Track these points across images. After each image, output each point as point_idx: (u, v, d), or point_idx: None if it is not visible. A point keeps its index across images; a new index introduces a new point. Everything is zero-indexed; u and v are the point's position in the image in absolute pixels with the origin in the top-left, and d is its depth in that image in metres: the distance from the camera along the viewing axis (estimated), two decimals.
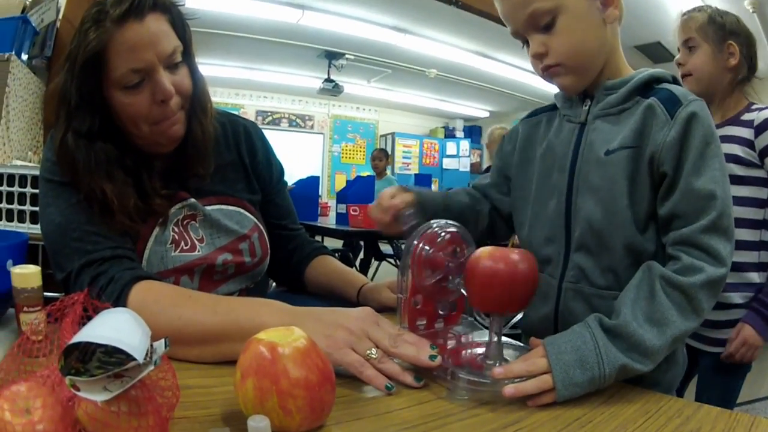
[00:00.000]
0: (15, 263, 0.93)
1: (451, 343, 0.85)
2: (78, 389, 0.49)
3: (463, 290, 0.85)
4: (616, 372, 0.76)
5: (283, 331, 0.63)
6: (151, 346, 0.55)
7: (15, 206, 2.08)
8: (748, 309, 1.48)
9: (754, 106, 1.53)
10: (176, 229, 1.06)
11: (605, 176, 0.88)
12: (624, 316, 0.78)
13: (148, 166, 1.04)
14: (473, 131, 11.84)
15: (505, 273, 0.77)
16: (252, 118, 1.38)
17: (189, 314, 0.84)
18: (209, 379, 0.78)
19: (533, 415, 0.71)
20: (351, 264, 6.17)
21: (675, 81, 0.92)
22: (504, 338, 0.85)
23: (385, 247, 6.13)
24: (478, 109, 10.85)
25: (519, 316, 0.92)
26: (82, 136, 0.96)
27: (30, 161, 2.47)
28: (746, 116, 1.51)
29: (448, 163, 11.37)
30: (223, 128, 1.18)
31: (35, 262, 0.90)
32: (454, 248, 0.88)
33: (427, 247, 0.85)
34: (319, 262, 1.32)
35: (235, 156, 1.20)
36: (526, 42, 0.92)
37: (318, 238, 6.20)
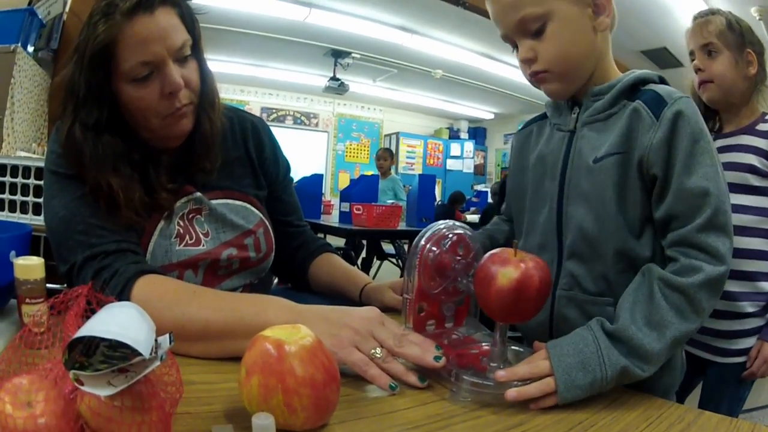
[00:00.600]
0: (18, 254, 0.92)
1: (455, 345, 0.85)
2: (82, 383, 0.48)
3: (471, 287, 0.84)
4: (617, 374, 0.75)
5: (290, 329, 0.63)
6: (156, 341, 0.54)
7: (18, 197, 2.08)
8: (764, 326, 1.47)
9: None
10: (181, 223, 1.06)
11: (595, 183, 0.88)
12: (623, 320, 0.78)
13: (154, 161, 1.03)
14: (478, 133, 11.86)
15: (523, 290, 0.73)
16: (256, 114, 1.37)
17: (193, 310, 0.84)
18: (212, 375, 0.77)
19: (536, 418, 0.71)
20: (353, 263, 6.17)
21: (662, 81, 0.91)
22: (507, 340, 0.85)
23: (388, 247, 6.14)
24: (482, 111, 10.86)
25: None
26: (89, 129, 0.96)
27: (34, 153, 2.46)
28: (761, 126, 1.50)
29: (451, 164, 11.39)
30: (230, 123, 1.17)
31: (37, 254, 0.90)
32: (460, 249, 0.87)
33: (434, 249, 0.85)
34: (323, 260, 1.32)
35: (242, 151, 1.19)
36: (515, 46, 0.92)
37: (320, 236, 6.21)
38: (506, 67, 7.34)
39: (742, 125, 1.53)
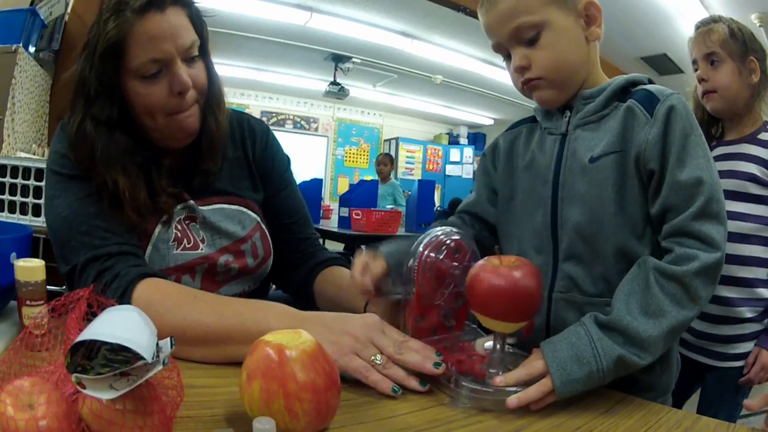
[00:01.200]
0: (19, 256, 0.92)
1: (454, 351, 0.85)
2: (84, 387, 0.48)
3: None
4: (614, 365, 0.76)
5: (291, 334, 0.63)
6: (158, 345, 0.54)
7: (18, 198, 2.08)
8: (761, 332, 1.48)
9: None
10: (179, 227, 1.06)
11: (592, 183, 0.87)
12: (618, 310, 0.78)
13: (157, 163, 1.04)
14: (477, 138, 11.84)
15: (505, 287, 0.75)
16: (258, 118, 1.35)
17: (195, 315, 0.84)
18: (212, 379, 0.78)
19: (535, 424, 0.71)
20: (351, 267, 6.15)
21: (651, 83, 0.92)
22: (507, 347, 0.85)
23: None
24: (482, 117, 10.85)
25: None
26: (101, 124, 0.96)
27: (34, 154, 2.46)
28: (762, 135, 1.50)
29: (451, 170, 11.37)
30: (230, 125, 1.17)
31: (36, 255, 0.90)
32: (459, 255, 0.88)
33: (433, 254, 0.85)
34: (331, 273, 1.21)
35: (240, 152, 1.19)
36: (507, 56, 0.93)
37: (319, 240, 6.21)
38: (506, 74, 7.15)
39: (744, 134, 1.53)
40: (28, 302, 0.84)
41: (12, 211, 2.09)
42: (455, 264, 0.87)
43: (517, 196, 1.00)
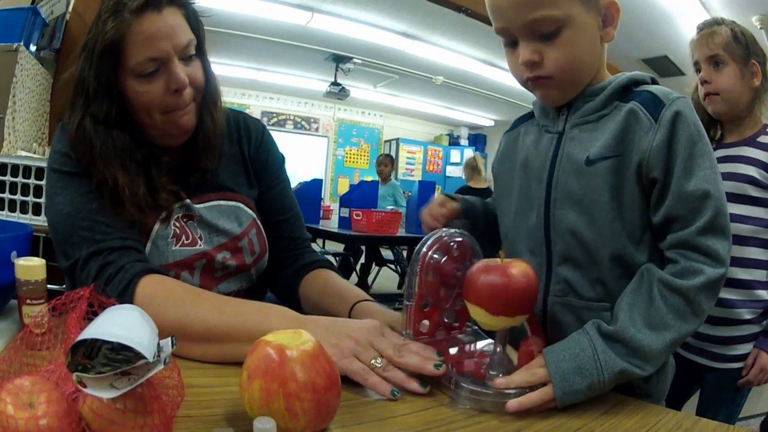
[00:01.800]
0: (19, 255, 0.92)
1: (454, 352, 0.85)
2: (85, 386, 0.48)
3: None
4: (615, 377, 0.76)
5: (291, 334, 0.63)
6: (158, 344, 0.54)
7: (18, 197, 2.08)
8: (760, 334, 1.48)
9: None
10: (177, 224, 1.07)
11: (587, 187, 0.85)
12: (622, 321, 0.78)
13: (156, 161, 1.05)
14: (478, 139, 11.85)
15: (498, 280, 0.75)
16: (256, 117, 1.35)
17: (197, 312, 0.85)
18: (212, 378, 0.78)
19: (535, 425, 0.71)
20: (351, 268, 6.17)
21: (654, 82, 0.89)
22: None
23: (386, 253, 6.13)
24: (483, 118, 10.85)
25: None
26: (99, 123, 0.97)
27: (35, 153, 2.46)
28: (762, 138, 1.51)
29: (451, 171, 11.37)
30: (227, 123, 1.18)
31: (36, 254, 0.90)
32: (461, 256, 0.87)
33: (436, 256, 0.85)
34: (318, 276, 1.20)
35: (236, 149, 1.20)
36: (511, 43, 0.87)
37: (319, 241, 6.22)
38: (507, 74, 7.21)
39: (744, 136, 1.53)
40: (28, 301, 0.84)
41: (12, 209, 2.09)
42: (457, 265, 0.87)
43: (513, 195, 0.98)
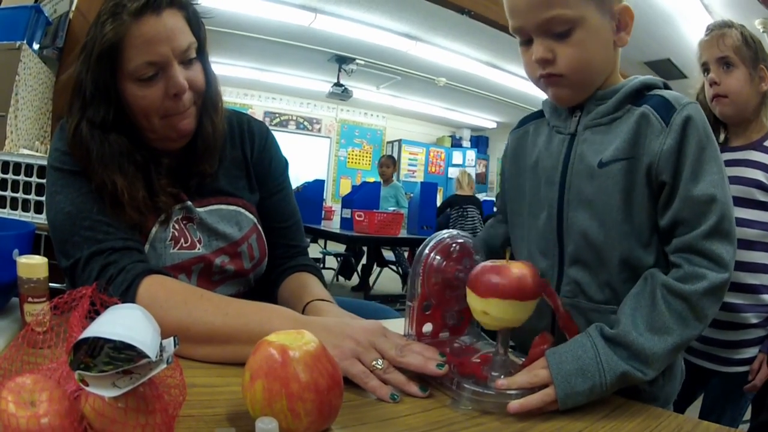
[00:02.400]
0: (21, 253, 0.92)
1: (456, 353, 0.85)
2: (87, 384, 0.48)
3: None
4: (617, 380, 0.75)
5: (294, 334, 0.63)
6: (161, 344, 0.54)
7: (20, 195, 2.08)
8: (766, 338, 1.48)
9: None
10: (177, 227, 1.06)
11: (599, 189, 0.86)
12: (624, 325, 0.78)
13: (156, 163, 1.04)
14: (480, 141, 11.87)
15: (498, 266, 0.77)
16: (259, 119, 1.33)
17: (199, 313, 0.84)
18: (215, 378, 0.78)
19: (536, 427, 0.71)
20: (353, 269, 6.17)
21: (666, 87, 0.90)
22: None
23: (388, 254, 6.14)
24: (485, 120, 10.86)
25: None
26: (96, 127, 0.96)
27: (37, 151, 2.46)
28: None
29: (453, 173, 11.36)
30: (229, 125, 1.17)
31: (38, 252, 0.90)
32: (463, 258, 0.87)
33: (438, 257, 0.85)
34: (295, 279, 1.17)
35: (239, 152, 1.19)
36: (526, 42, 0.88)
37: (321, 241, 6.23)
38: (510, 76, 7.34)
39: (751, 140, 1.53)
40: (30, 299, 0.84)
41: (14, 207, 2.09)
42: (460, 267, 0.86)
43: (525, 196, 0.98)
